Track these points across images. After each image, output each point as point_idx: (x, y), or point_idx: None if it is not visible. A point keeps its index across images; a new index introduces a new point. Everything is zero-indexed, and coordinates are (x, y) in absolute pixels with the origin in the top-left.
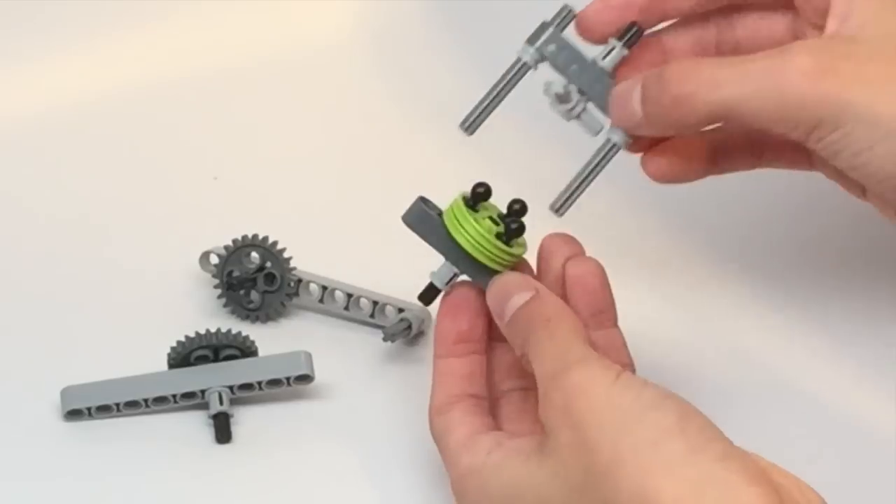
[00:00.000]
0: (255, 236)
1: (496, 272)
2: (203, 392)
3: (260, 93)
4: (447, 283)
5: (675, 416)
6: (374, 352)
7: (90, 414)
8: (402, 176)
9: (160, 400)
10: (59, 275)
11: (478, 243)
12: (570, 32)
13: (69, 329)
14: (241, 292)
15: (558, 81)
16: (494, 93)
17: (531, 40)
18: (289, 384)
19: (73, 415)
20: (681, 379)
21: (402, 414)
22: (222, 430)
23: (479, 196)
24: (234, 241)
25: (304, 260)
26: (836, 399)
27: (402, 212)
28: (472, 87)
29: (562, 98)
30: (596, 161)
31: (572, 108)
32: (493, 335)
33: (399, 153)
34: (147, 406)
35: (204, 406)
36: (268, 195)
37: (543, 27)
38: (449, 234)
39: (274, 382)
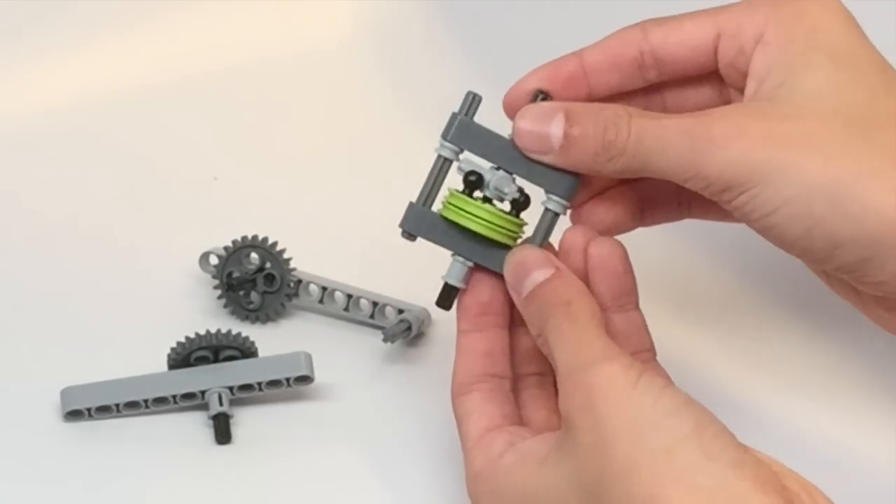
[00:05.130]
0: (254, 237)
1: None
2: (203, 393)
3: (259, 93)
4: (463, 280)
5: (692, 423)
6: (374, 353)
7: (90, 414)
8: (402, 176)
9: (160, 401)
10: (59, 275)
11: (489, 222)
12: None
13: (69, 329)
14: (241, 293)
15: (464, 163)
16: (425, 194)
17: (444, 134)
18: (289, 385)
19: (73, 415)
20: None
21: (402, 415)
22: (222, 431)
23: (472, 184)
24: (234, 241)
25: (304, 260)
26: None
27: (402, 211)
28: (471, 86)
29: (473, 184)
30: (539, 233)
31: (487, 186)
32: (514, 319)
33: (399, 153)
34: (147, 407)
35: (204, 407)
36: (268, 195)
37: (453, 119)
38: (455, 225)
39: (274, 383)
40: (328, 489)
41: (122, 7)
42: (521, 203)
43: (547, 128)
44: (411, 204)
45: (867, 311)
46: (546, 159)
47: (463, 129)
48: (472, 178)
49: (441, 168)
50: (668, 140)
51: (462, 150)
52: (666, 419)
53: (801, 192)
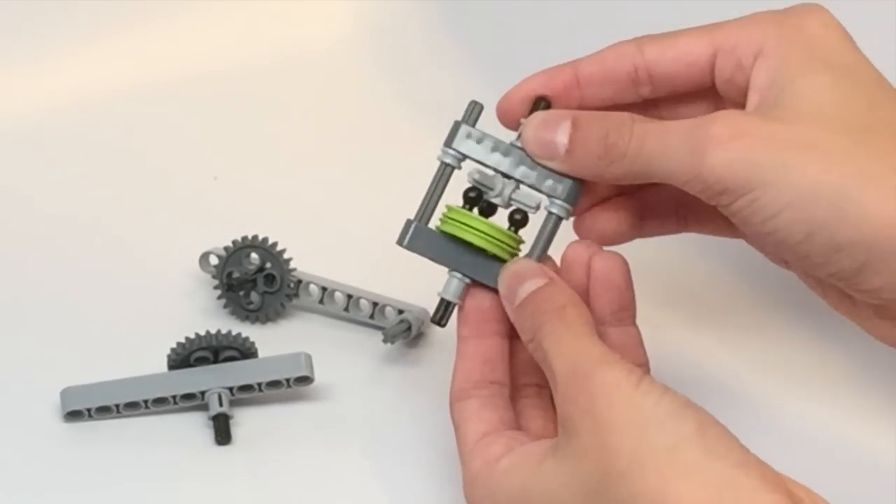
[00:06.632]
0: (254, 237)
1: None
2: (203, 393)
3: (260, 93)
4: (460, 297)
5: (695, 424)
6: (374, 353)
7: (90, 415)
8: (403, 176)
9: (160, 401)
10: (59, 275)
11: (489, 235)
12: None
13: (69, 329)
14: (241, 293)
15: (474, 170)
16: (427, 200)
17: (447, 142)
18: (288, 385)
19: (73, 415)
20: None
21: (402, 415)
22: (222, 432)
23: (472, 200)
24: (234, 241)
25: (304, 261)
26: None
27: (403, 210)
28: (471, 85)
29: (481, 185)
30: (542, 237)
31: (499, 194)
32: (514, 329)
33: (399, 153)
34: (147, 407)
35: (204, 407)
36: (268, 195)
37: (456, 126)
38: (455, 238)
39: (274, 384)
40: (328, 489)
41: (122, 7)
42: (519, 221)
43: (554, 134)
44: (408, 221)
45: (862, 322)
46: (552, 165)
47: (464, 136)
48: (472, 194)
49: (443, 174)
50: (668, 142)
51: (464, 158)
52: (669, 419)
53: (803, 195)
